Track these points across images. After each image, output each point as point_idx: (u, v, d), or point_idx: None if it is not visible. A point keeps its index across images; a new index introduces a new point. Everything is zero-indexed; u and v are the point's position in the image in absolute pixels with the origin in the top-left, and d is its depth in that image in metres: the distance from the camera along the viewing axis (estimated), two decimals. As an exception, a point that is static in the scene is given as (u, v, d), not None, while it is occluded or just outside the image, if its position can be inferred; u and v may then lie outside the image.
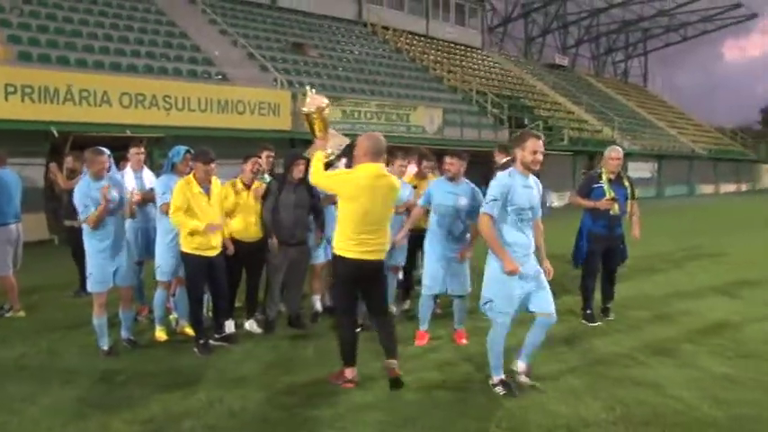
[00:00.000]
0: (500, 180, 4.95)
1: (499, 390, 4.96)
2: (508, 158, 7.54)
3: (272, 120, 18.78)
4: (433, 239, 6.44)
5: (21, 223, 7.76)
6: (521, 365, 5.14)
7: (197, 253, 6.00)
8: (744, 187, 51.16)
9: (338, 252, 5.07)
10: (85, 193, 5.90)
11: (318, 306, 7.56)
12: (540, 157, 4.91)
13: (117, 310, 6.38)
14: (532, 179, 5.06)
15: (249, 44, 23.58)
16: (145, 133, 15.04)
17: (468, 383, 5.23)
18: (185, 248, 6.07)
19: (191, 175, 5.99)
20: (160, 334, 6.63)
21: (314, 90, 5.65)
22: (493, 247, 4.90)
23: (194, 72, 19.62)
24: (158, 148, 15.62)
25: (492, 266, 4.96)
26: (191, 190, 5.91)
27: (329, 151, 5.51)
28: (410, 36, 34.98)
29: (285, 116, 19.14)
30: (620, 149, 7.44)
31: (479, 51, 41.23)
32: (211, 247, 6.08)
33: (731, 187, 49.15)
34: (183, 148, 6.66)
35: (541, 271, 5.01)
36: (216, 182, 6.25)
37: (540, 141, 4.93)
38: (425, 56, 33.03)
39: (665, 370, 5.58)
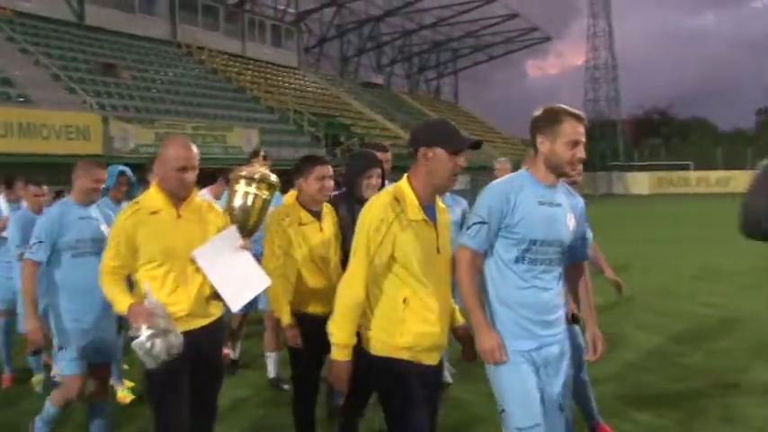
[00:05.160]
0: None
1: None
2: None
3: (82, 144, 18.32)
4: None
5: None
6: None
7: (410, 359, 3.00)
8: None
9: None
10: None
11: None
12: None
13: None
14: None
15: (54, 64, 22.77)
16: (-63, 161, 14.39)
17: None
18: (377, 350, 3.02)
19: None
20: None
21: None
22: None
23: (-9, 94, 18.75)
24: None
25: None
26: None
27: None
28: (226, 57, 35.19)
29: (96, 140, 18.81)
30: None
31: (296, 71, 42.37)
32: None
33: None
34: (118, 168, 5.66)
35: None
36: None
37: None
38: (242, 76, 33.50)
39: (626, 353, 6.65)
